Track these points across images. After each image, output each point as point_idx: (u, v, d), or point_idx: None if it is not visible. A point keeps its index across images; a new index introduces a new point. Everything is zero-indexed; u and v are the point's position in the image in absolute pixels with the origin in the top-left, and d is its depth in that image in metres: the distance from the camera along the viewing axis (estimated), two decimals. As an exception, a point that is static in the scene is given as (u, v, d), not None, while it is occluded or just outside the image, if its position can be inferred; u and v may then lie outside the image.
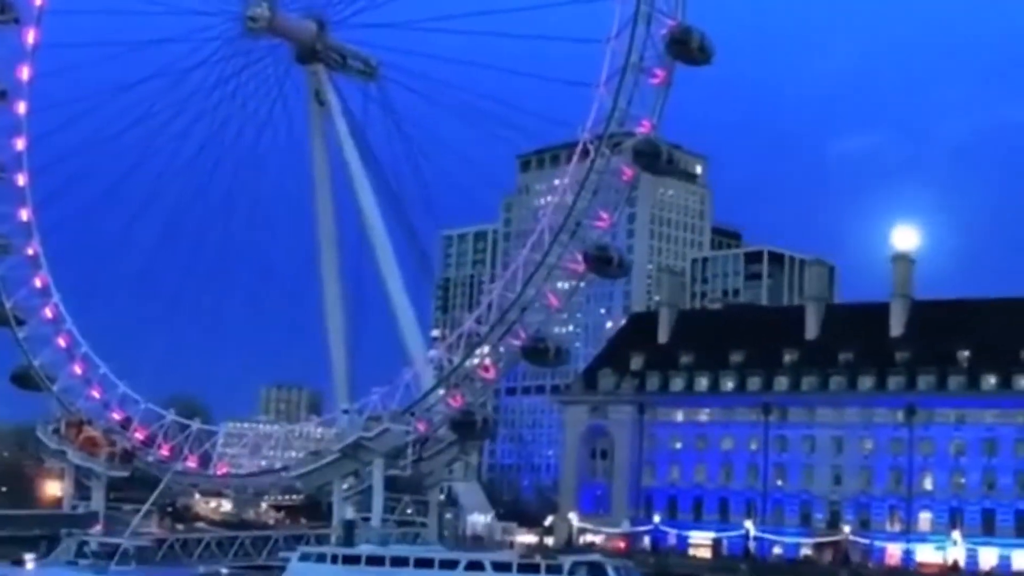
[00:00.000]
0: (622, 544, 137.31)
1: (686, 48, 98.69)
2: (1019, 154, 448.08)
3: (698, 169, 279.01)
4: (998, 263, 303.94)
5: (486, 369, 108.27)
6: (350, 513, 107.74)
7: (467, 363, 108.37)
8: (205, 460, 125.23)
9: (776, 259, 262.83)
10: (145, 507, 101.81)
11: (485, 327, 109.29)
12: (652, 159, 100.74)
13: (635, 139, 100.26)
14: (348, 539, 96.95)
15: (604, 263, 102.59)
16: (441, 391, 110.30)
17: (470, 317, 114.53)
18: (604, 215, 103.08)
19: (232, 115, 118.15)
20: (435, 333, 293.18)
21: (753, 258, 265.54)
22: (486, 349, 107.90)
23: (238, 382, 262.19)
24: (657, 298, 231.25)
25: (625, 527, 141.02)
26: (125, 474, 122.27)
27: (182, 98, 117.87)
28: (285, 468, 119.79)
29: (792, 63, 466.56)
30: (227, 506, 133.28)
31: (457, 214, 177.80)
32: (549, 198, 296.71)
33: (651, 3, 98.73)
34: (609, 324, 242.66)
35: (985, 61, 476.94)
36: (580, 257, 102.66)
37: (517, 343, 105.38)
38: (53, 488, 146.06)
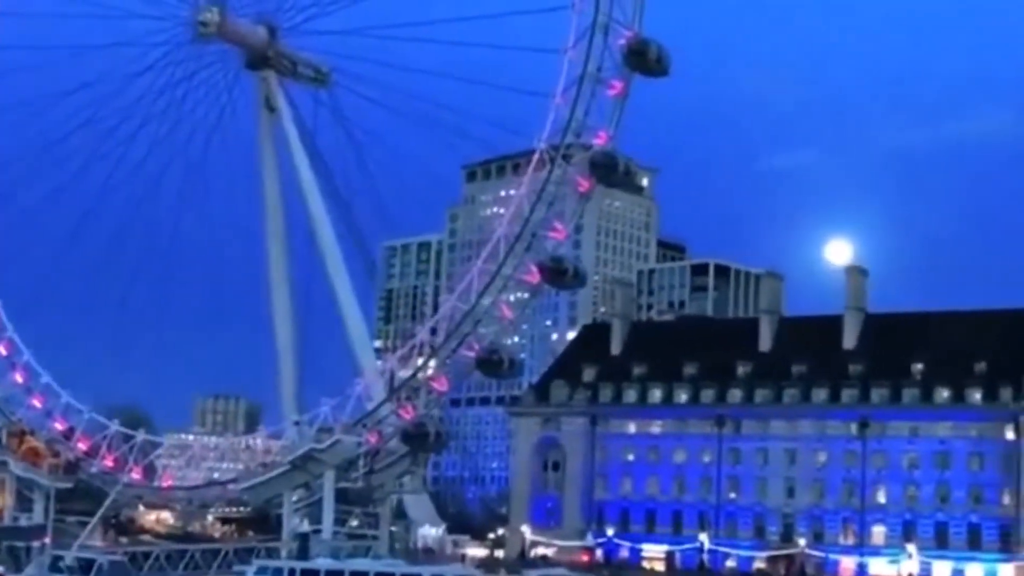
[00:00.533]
0: (585, 557, 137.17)
1: (643, 59, 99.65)
2: (968, 167, 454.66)
3: (644, 181, 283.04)
4: (951, 276, 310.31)
5: (438, 381, 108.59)
6: (303, 526, 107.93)
7: (418, 375, 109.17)
8: (150, 472, 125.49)
9: (722, 272, 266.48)
10: (94, 520, 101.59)
11: (438, 338, 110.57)
12: (609, 171, 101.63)
13: (592, 150, 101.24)
14: (303, 552, 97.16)
15: (559, 274, 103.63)
16: (392, 403, 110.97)
17: (422, 328, 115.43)
18: (559, 226, 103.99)
19: (181, 120, 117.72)
20: (378, 344, 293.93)
21: (699, 270, 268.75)
22: (437, 361, 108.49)
23: (172, 392, 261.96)
24: (603, 309, 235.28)
25: (588, 540, 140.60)
26: (69, 485, 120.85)
27: (129, 103, 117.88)
28: (233, 480, 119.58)
29: (735, 77, 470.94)
30: (171, 519, 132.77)
31: (400, 224, 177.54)
32: (500, 209, 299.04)
33: (608, 14, 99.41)
34: (555, 336, 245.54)
35: (927, 76, 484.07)
36: (535, 268, 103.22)
37: (471, 355, 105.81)
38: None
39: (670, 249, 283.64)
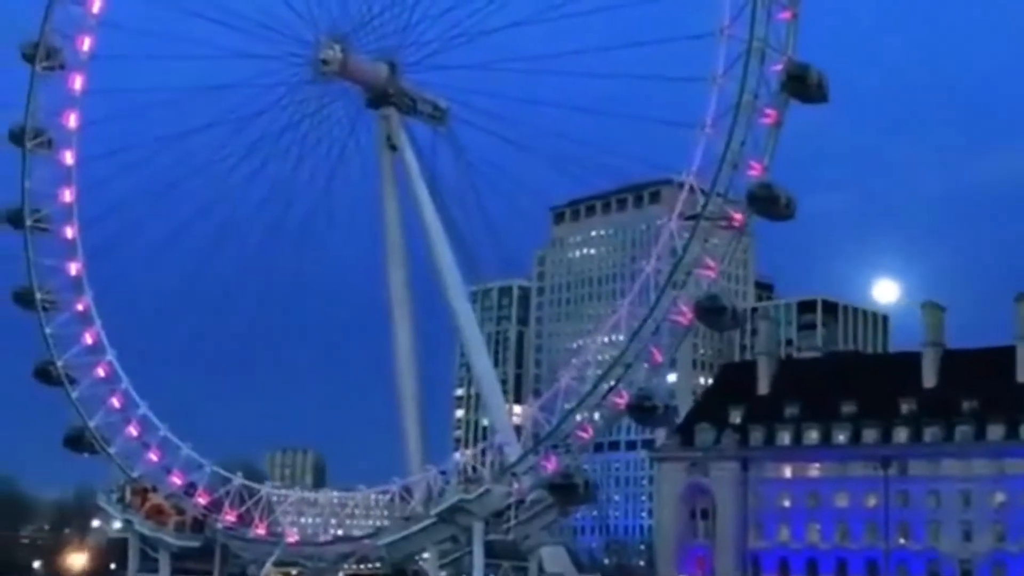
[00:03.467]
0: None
1: (804, 85, 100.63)
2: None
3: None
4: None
5: (584, 429, 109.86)
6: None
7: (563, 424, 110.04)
8: (273, 526, 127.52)
9: (829, 308, 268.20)
10: None
11: (584, 384, 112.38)
12: (769, 204, 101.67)
13: (750, 183, 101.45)
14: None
15: (717, 314, 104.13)
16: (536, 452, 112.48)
17: (565, 375, 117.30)
18: (711, 263, 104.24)
19: (302, 165, 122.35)
20: (460, 392, 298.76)
21: (806, 308, 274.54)
22: (585, 409, 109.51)
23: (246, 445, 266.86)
24: (703, 351, 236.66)
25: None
26: (196, 544, 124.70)
27: (248, 144, 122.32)
28: (370, 535, 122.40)
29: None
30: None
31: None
32: (590, 250, 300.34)
33: (764, 39, 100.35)
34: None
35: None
36: (685, 308, 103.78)
37: (620, 402, 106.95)
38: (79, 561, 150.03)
39: (759, 287, 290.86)
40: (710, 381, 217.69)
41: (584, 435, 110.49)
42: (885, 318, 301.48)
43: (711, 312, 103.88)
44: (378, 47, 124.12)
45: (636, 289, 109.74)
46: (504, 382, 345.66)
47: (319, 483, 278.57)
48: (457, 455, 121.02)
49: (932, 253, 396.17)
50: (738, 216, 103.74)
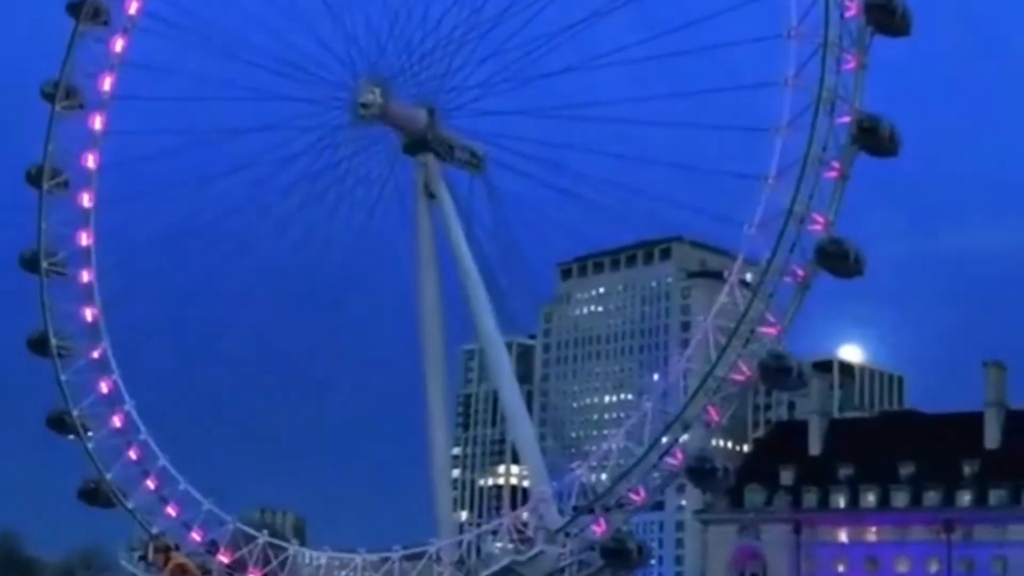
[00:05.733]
0: None
1: (875, 137, 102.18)
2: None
3: (748, 276, 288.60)
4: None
5: (635, 491, 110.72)
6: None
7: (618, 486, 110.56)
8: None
9: (845, 369, 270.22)
10: None
11: (638, 447, 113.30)
12: (839, 260, 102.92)
13: (820, 238, 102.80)
14: None
15: (783, 374, 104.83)
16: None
17: (616, 435, 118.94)
18: (773, 320, 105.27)
19: (338, 208, 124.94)
20: (456, 451, 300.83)
21: (820, 367, 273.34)
22: (639, 471, 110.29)
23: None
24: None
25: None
26: None
27: (284, 186, 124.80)
28: None
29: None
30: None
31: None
32: (598, 308, 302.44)
33: (833, 89, 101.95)
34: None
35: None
36: (747, 367, 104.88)
37: (675, 463, 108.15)
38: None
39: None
40: (728, 444, 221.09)
41: (636, 498, 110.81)
42: (900, 379, 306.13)
43: (777, 372, 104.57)
44: (417, 92, 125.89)
45: (691, 348, 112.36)
46: (502, 442, 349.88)
47: (301, 544, 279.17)
48: (504, 516, 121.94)
49: (895, 318, 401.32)
50: (801, 272, 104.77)
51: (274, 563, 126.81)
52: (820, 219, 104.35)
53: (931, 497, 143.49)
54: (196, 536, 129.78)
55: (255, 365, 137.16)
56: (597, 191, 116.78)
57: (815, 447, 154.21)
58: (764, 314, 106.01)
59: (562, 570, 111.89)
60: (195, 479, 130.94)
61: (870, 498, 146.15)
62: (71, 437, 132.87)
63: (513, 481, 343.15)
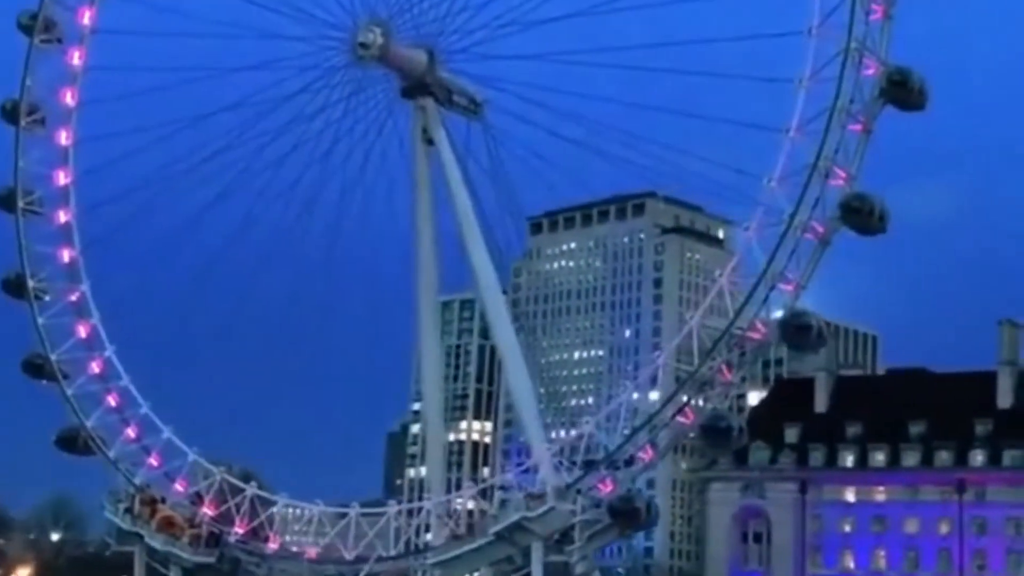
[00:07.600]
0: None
1: (904, 90, 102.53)
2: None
3: (721, 233, 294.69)
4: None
5: (645, 450, 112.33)
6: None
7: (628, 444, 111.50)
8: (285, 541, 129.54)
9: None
10: None
11: (646, 403, 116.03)
12: (864, 216, 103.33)
13: (844, 193, 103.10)
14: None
15: (803, 332, 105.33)
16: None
17: (628, 388, 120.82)
18: (791, 277, 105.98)
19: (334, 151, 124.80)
20: (416, 407, 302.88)
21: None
22: (651, 429, 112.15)
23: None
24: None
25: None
26: (211, 560, 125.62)
27: (278, 126, 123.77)
28: (417, 551, 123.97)
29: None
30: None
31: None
32: (568, 263, 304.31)
33: (862, 40, 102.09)
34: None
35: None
36: (762, 325, 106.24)
37: (687, 422, 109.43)
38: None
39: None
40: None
41: (645, 456, 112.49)
42: (874, 338, 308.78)
43: (798, 330, 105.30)
44: (417, 34, 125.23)
45: (706, 305, 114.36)
46: (464, 397, 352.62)
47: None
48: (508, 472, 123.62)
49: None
50: (820, 228, 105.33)
51: (262, 515, 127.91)
52: (843, 173, 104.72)
53: (943, 457, 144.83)
54: (179, 487, 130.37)
55: (243, 313, 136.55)
56: (608, 140, 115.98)
57: (821, 404, 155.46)
58: (784, 272, 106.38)
59: (573, 528, 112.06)
60: (179, 429, 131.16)
61: (879, 457, 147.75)
62: (46, 383, 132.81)
63: (475, 437, 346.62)
